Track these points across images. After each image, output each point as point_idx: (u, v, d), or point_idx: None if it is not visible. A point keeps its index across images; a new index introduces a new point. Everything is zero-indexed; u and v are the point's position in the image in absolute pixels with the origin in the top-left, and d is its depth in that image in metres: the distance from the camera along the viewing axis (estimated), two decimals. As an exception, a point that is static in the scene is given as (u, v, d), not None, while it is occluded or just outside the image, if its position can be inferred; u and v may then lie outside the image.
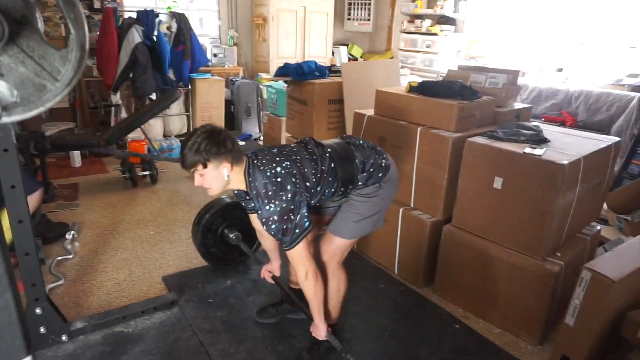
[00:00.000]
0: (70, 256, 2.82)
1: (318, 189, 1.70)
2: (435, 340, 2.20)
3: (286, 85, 3.95)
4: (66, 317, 2.10)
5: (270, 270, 2.21)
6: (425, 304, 2.48)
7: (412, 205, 2.64)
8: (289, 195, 1.58)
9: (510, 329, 2.25)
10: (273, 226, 1.59)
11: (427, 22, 6.09)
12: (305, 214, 1.63)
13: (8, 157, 1.72)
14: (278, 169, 1.61)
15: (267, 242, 2.13)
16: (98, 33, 4.79)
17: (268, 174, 1.60)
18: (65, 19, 0.62)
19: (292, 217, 1.58)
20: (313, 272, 1.69)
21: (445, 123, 2.45)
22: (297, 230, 1.60)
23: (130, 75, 4.58)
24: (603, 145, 2.25)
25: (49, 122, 4.95)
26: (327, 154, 1.74)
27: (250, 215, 1.97)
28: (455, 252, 2.43)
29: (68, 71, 0.63)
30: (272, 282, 2.20)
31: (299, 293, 2.24)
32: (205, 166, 1.57)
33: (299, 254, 1.65)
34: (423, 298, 2.53)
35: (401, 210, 2.62)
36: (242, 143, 4.38)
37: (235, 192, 1.83)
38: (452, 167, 2.40)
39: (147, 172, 4.17)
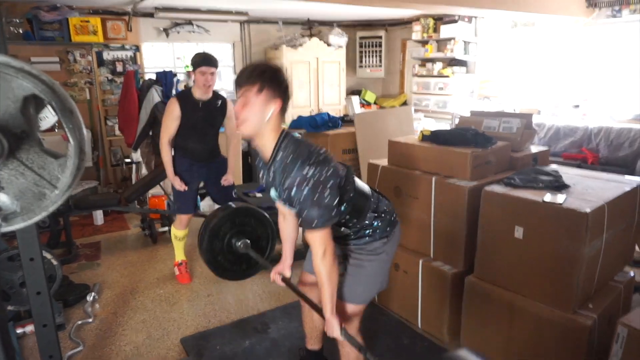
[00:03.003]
0: (90, 320, 2.82)
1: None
2: (465, 403, 2.06)
3: (300, 137, 4.01)
4: (84, 386, 2.07)
5: (280, 271, 2.04)
6: (453, 362, 2.36)
7: (431, 256, 2.57)
8: (330, 172, 1.50)
9: (545, 388, 2.11)
10: (305, 190, 1.47)
11: (439, 65, 6.17)
12: (338, 201, 1.55)
13: (27, 230, 1.75)
14: (322, 151, 1.56)
15: (287, 230, 2.00)
16: (120, 95, 5.01)
17: (312, 149, 1.54)
18: (64, 128, 0.63)
19: (326, 193, 1.49)
20: (331, 252, 1.58)
21: (460, 172, 2.42)
22: (332, 213, 1.52)
23: (150, 133, 4.72)
24: (627, 189, 2.17)
25: (74, 181, 5.11)
26: (353, 176, 1.73)
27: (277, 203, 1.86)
28: (479, 305, 2.32)
29: (66, 178, 0.64)
30: (282, 284, 2.02)
31: (314, 354, 2.18)
32: (259, 91, 1.49)
33: (323, 235, 1.55)
34: (450, 355, 2.41)
35: (421, 261, 2.55)
36: (259, 195, 4.39)
37: (258, 160, 1.75)
38: (470, 216, 2.34)
39: (167, 228, 4.21)
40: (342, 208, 1.66)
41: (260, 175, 1.76)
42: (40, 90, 0.61)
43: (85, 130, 0.67)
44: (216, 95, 3.12)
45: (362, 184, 1.78)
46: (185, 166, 3.15)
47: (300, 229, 2.03)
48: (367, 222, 1.73)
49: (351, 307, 1.80)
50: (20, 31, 4.82)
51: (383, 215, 1.77)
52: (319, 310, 1.78)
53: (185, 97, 3.03)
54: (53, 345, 1.89)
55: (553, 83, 5.11)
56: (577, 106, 4.75)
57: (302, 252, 2.13)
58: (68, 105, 0.63)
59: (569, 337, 1.96)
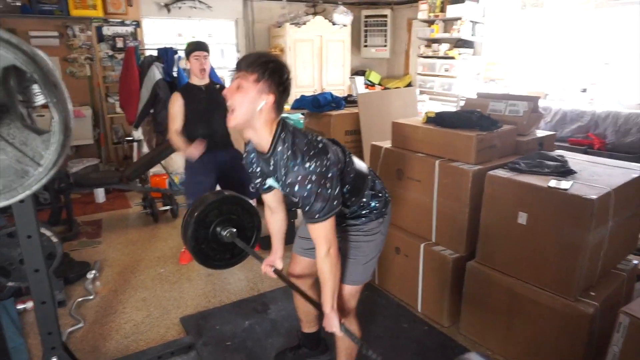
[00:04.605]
0: (91, 297, 2.83)
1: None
2: (462, 386, 2.07)
3: (303, 116, 3.95)
4: (83, 363, 2.08)
5: (271, 263, 1.99)
6: (451, 346, 2.36)
7: (433, 240, 2.55)
8: (330, 162, 1.47)
9: (543, 373, 2.11)
10: (308, 186, 1.44)
11: (445, 46, 6.05)
12: (339, 189, 1.53)
13: (24, 207, 1.73)
14: (319, 138, 1.54)
15: (277, 223, 1.96)
16: (120, 71, 4.93)
17: (310, 137, 1.51)
18: (48, 103, 0.59)
19: (328, 185, 1.46)
20: (336, 248, 1.56)
21: (464, 155, 2.38)
22: (335, 202, 1.49)
23: (151, 111, 4.67)
24: (635, 175, 2.12)
25: (75, 158, 5.09)
26: (352, 158, 1.70)
27: (263, 194, 1.83)
28: (480, 290, 2.31)
29: (51, 154, 0.60)
30: (274, 276, 1.98)
31: (311, 336, 2.18)
32: (257, 80, 1.44)
33: (327, 229, 1.52)
34: (448, 339, 2.41)
35: (422, 245, 2.53)
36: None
37: (247, 151, 1.70)
38: (473, 200, 2.31)
39: (168, 207, 4.19)
40: (344, 190, 1.63)
41: (254, 166, 1.70)
42: (22, 61, 0.57)
43: (71, 105, 0.63)
44: (213, 80, 3.23)
45: (359, 164, 1.75)
46: (197, 160, 3.06)
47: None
48: (364, 199, 1.71)
49: (351, 288, 1.79)
50: (19, 4, 4.73)
51: (380, 195, 1.76)
52: (313, 302, 1.77)
53: (185, 87, 3.18)
54: (52, 322, 1.89)
55: (561, 66, 5.01)
56: (584, 90, 4.66)
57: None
58: (52, 78, 0.59)
59: (569, 324, 1.95)
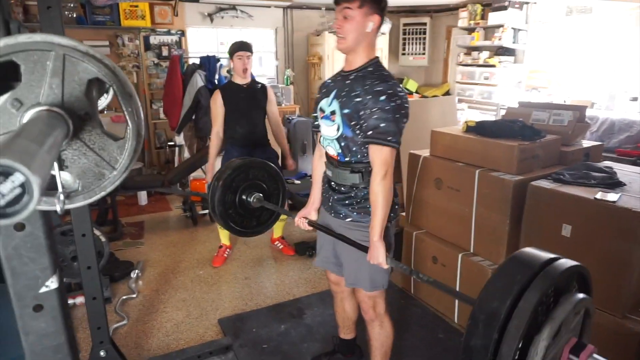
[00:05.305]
0: (134, 295, 2.95)
1: None
2: (501, 401, 2.03)
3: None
4: (127, 359, 2.17)
5: (306, 215, 1.96)
6: (489, 359, 2.31)
7: (471, 250, 2.51)
8: (408, 108, 1.57)
9: (587, 392, 2.03)
10: (393, 104, 1.50)
11: (485, 54, 5.95)
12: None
13: (81, 208, 1.84)
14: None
15: (321, 170, 1.92)
16: (165, 79, 5.13)
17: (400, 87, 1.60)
18: (124, 111, 0.65)
19: (403, 119, 1.55)
20: (392, 175, 1.59)
21: (505, 165, 2.34)
22: (400, 138, 1.55)
23: (193, 117, 4.83)
24: (689, 189, 2.04)
25: (120, 162, 5.30)
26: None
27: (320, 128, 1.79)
28: (521, 303, 2.26)
29: (124, 159, 0.66)
30: (308, 228, 1.94)
31: (347, 342, 2.19)
32: (360, 6, 1.52)
33: (389, 156, 1.56)
34: (486, 351, 2.36)
35: (460, 255, 2.50)
36: (297, 182, 4.43)
37: (325, 81, 1.77)
38: (514, 211, 2.26)
39: (207, 211, 4.31)
40: None
41: (322, 91, 1.75)
42: (104, 74, 0.62)
43: (143, 114, 0.68)
44: (255, 80, 3.32)
45: None
46: (235, 155, 3.15)
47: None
48: None
49: (373, 294, 1.79)
50: (74, 15, 5.01)
51: (394, 196, 1.73)
52: (355, 244, 1.69)
53: (227, 85, 3.30)
54: (101, 317, 1.99)
55: (609, 74, 4.83)
56: (634, 99, 4.47)
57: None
58: (128, 89, 0.65)
59: (617, 342, 1.88)
